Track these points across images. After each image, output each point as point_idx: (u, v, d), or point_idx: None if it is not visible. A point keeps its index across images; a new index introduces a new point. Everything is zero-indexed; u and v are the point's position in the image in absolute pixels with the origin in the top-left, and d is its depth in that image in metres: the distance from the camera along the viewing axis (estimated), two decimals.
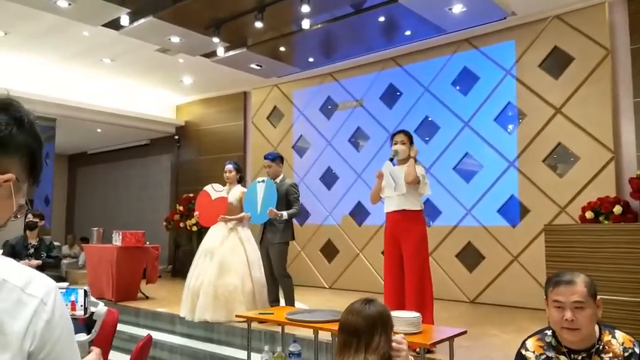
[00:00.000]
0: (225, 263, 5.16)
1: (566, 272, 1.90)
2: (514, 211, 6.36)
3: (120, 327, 5.59)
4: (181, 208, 9.15)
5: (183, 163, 10.38)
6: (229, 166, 5.60)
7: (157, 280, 7.07)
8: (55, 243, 6.60)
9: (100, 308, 1.50)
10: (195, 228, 8.70)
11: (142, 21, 6.28)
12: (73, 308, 1.48)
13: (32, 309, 0.83)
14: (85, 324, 1.78)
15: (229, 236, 5.34)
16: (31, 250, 5.86)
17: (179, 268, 9.21)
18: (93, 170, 13.08)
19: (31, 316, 0.83)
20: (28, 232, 5.95)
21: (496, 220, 6.47)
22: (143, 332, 5.28)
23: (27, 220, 5.92)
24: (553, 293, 1.85)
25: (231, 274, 5.12)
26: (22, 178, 0.95)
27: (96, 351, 1.27)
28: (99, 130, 10.42)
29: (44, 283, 0.89)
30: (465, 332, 2.98)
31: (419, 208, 4.14)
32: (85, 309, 1.48)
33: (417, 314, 2.91)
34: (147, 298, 6.70)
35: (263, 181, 5.17)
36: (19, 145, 0.94)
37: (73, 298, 1.50)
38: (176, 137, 10.50)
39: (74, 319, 1.42)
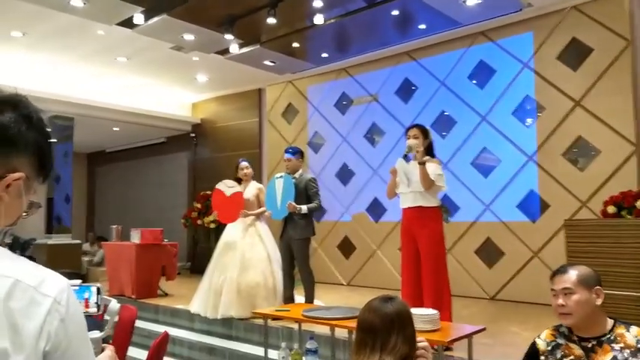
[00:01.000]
0: (247, 259, 5.18)
1: (566, 264, 2.06)
2: (534, 206, 6.26)
3: (139, 323, 5.66)
4: (199, 205, 9.19)
5: (200, 161, 10.44)
6: (245, 163, 5.61)
7: (175, 277, 7.13)
8: (33, 240, 6.30)
9: (113, 305, 1.51)
10: (212, 225, 8.73)
11: (155, 19, 6.31)
12: (87, 306, 1.49)
13: (46, 308, 0.83)
14: (99, 321, 1.79)
15: (248, 232, 5.35)
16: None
17: (198, 265, 9.26)
18: (111, 168, 13.23)
19: (46, 316, 0.83)
20: None
21: (515, 216, 6.38)
22: (162, 329, 5.32)
23: None
24: (551, 283, 2.03)
25: (253, 269, 5.14)
26: (32, 176, 0.95)
27: (109, 348, 1.27)
28: (116, 129, 10.52)
29: (57, 281, 0.89)
30: (483, 329, 2.94)
31: (435, 205, 4.09)
32: (98, 306, 1.49)
33: (435, 311, 2.88)
34: (166, 295, 6.76)
35: (281, 176, 5.17)
36: (29, 142, 0.93)
37: (86, 295, 1.51)
38: (192, 135, 10.56)
39: (88, 317, 1.42)
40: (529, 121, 6.36)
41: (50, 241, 8.31)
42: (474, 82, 6.82)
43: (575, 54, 5.95)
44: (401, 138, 7.38)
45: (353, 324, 3.07)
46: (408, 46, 7.28)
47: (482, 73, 6.73)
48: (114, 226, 7.39)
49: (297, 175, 5.22)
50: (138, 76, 8.95)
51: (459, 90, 6.91)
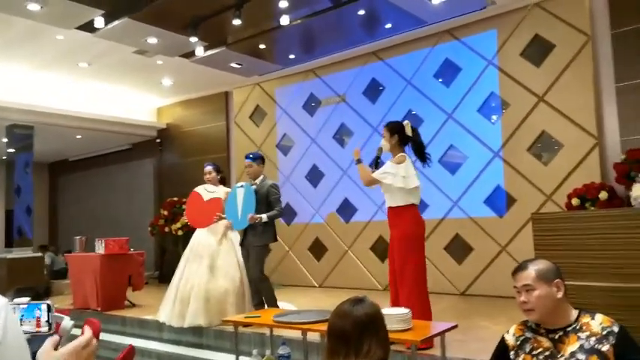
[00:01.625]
0: (216, 266, 5.06)
1: (527, 260, 2.06)
2: (500, 201, 6.34)
3: (106, 337, 5.49)
4: (166, 212, 9.00)
5: (167, 167, 10.23)
6: (209, 167, 5.49)
7: (143, 286, 6.95)
8: None
9: (66, 323, 1.40)
10: (180, 232, 8.56)
11: (117, 22, 6.14)
12: (38, 325, 1.38)
13: None
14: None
15: (221, 240, 5.23)
16: None
17: (166, 274, 9.06)
18: (75, 177, 12.85)
19: None
20: None
21: (483, 211, 6.45)
22: (130, 341, 5.17)
23: None
24: (513, 280, 2.04)
25: (222, 276, 5.03)
26: None
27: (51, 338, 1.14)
28: (79, 137, 10.22)
29: None
30: (455, 326, 2.93)
31: (402, 204, 4.02)
32: (50, 324, 1.38)
33: (407, 310, 2.85)
34: (133, 305, 6.57)
35: (242, 186, 5.06)
36: None
37: (37, 313, 1.40)
38: (158, 140, 10.35)
39: (39, 335, 1.31)
40: (494, 117, 6.44)
41: (10, 255, 7.99)
42: (440, 80, 6.87)
43: (537, 50, 6.06)
44: (370, 138, 7.41)
45: (324, 327, 3.01)
46: (375, 45, 7.29)
47: (448, 72, 6.79)
48: (77, 237, 7.15)
49: (258, 180, 5.12)
50: (100, 81, 8.72)
51: (425, 89, 6.96)
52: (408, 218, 4.01)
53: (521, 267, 2.05)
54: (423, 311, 3.74)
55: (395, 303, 3.83)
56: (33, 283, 7.72)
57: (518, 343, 2.05)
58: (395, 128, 4.14)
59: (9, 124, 8.60)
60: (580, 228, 3.07)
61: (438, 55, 6.87)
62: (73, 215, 12.74)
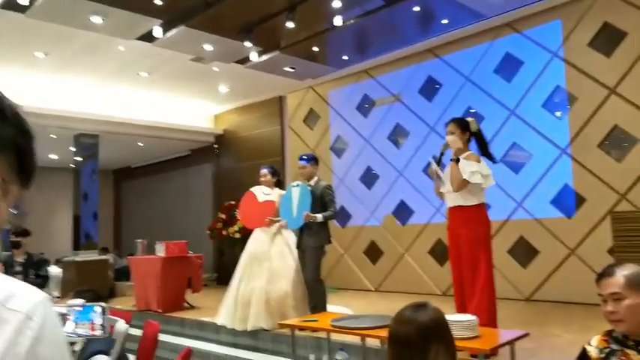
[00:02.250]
0: (275, 268, 5.03)
1: (613, 265, 1.86)
2: (569, 201, 5.97)
3: (166, 338, 5.58)
4: (223, 216, 9.14)
5: (224, 172, 10.41)
6: (264, 170, 5.49)
7: (201, 289, 7.05)
8: (46, 260, 6.31)
9: (120, 326, 1.37)
10: (237, 235, 8.66)
11: (174, 31, 6.28)
12: (92, 328, 1.36)
13: (14, 326, 0.68)
14: (107, 343, 1.66)
15: (275, 241, 5.21)
16: (18, 269, 5.50)
17: (224, 276, 9.18)
18: (137, 184, 13.34)
19: (13, 335, 0.68)
20: (13, 250, 5.62)
21: (550, 212, 6.10)
22: (188, 342, 5.24)
23: (10, 239, 5.59)
24: (597, 288, 1.85)
25: (281, 279, 4.99)
26: (9, 178, 0.80)
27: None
28: (140, 144, 10.59)
29: (30, 295, 0.74)
30: (527, 335, 2.73)
31: (475, 203, 3.85)
32: (104, 327, 1.35)
33: (473, 317, 2.68)
34: (192, 307, 6.67)
35: (297, 185, 5.03)
36: (3, 139, 0.79)
37: (92, 316, 1.38)
38: (215, 146, 10.55)
39: (95, 339, 1.27)
40: (560, 112, 6.08)
41: (78, 258, 8.35)
42: (501, 75, 6.57)
43: (607, 39, 5.67)
44: (427, 138, 7.20)
45: (384, 333, 2.90)
46: (431, 43, 7.08)
47: (509, 66, 6.49)
48: (139, 240, 7.36)
49: (312, 182, 5.07)
50: (160, 90, 8.99)
51: (485, 85, 6.68)
52: (481, 218, 3.87)
53: (607, 272, 1.84)
54: (490, 317, 3.55)
55: (461, 309, 3.64)
56: (98, 285, 8.03)
57: (603, 356, 1.85)
58: (465, 124, 3.99)
59: (76, 134, 9.02)
60: None
61: (497, 49, 6.59)
62: (135, 219, 13.21)
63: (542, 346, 3.79)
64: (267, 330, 4.84)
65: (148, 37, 6.46)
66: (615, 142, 5.65)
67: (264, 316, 4.87)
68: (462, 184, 3.80)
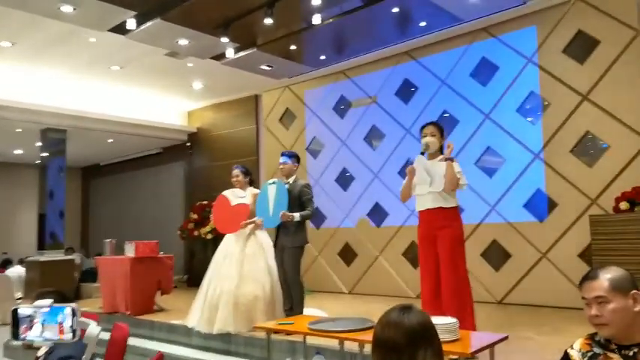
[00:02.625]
0: (246, 271, 4.92)
1: (597, 268, 1.83)
2: (541, 205, 6.05)
3: (135, 341, 5.40)
4: (195, 216, 8.97)
5: (196, 171, 10.22)
6: (236, 171, 5.38)
7: (172, 290, 6.88)
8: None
9: (92, 329, 1.26)
10: (209, 236, 8.51)
11: (149, 24, 6.12)
12: (61, 332, 1.25)
13: None
14: (78, 347, 1.54)
15: (249, 242, 5.11)
16: None
17: (195, 278, 9.00)
18: (106, 182, 13.00)
19: None
20: None
21: (522, 216, 6.16)
22: (158, 346, 5.08)
23: None
24: (580, 291, 1.83)
25: (251, 282, 4.89)
26: None
27: None
28: (110, 141, 10.31)
29: None
30: (506, 338, 2.71)
31: (455, 205, 3.89)
32: (74, 331, 1.25)
33: (454, 320, 2.65)
34: (162, 310, 6.50)
35: (273, 182, 4.93)
36: None
37: (59, 318, 1.26)
38: (188, 144, 10.36)
39: (64, 344, 1.16)
40: (534, 117, 6.16)
41: (42, 258, 8.06)
42: (477, 79, 6.62)
43: (581, 47, 5.77)
44: (402, 140, 7.21)
45: (364, 337, 2.84)
46: (408, 45, 7.10)
47: (485, 70, 6.54)
48: (107, 240, 7.14)
49: (290, 180, 4.98)
50: (132, 85, 8.76)
51: (460, 89, 6.72)
52: (458, 219, 3.92)
53: (591, 276, 1.81)
54: (469, 320, 3.55)
55: (438, 311, 3.62)
56: (63, 286, 7.76)
57: (586, 359, 1.84)
58: (442, 129, 4.12)
59: (43, 129, 8.71)
60: None
61: (473, 53, 6.64)
62: (104, 219, 12.88)
63: (516, 349, 3.80)
64: (233, 334, 4.73)
65: (121, 29, 6.27)
66: (587, 147, 5.75)
67: (231, 320, 4.76)
68: (456, 185, 3.79)
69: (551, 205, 5.94)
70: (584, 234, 5.54)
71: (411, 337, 1.47)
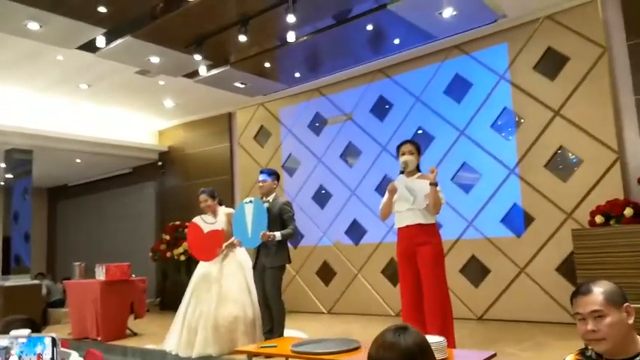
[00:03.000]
0: (224, 292, 4.78)
1: (587, 282, 1.81)
2: (518, 220, 6.09)
3: None
4: (167, 237, 8.73)
5: (168, 190, 9.99)
6: (202, 196, 5.23)
7: (145, 314, 6.64)
8: None
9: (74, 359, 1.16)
10: (182, 257, 8.28)
11: (119, 41, 5.99)
12: None
13: None
14: None
15: (225, 262, 4.97)
16: None
17: (168, 301, 8.76)
18: (74, 203, 12.60)
19: None
20: None
21: (500, 231, 6.19)
22: None
23: None
24: (574, 306, 1.79)
25: (230, 303, 4.75)
26: None
27: None
28: (78, 161, 10.02)
29: None
30: (494, 355, 2.66)
31: (434, 221, 3.91)
32: None
33: (441, 338, 2.59)
34: (135, 334, 6.25)
35: (251, 201, 4.78)
36: None
37: (39, 349, 1.16)
38: (160, 163, 10.14)
39: None
40: (508, 133, 6.24)
41: (7, 283, 7.69)
42: (451, 96, 6.69)
43: (551, 63, 5.89)
44: (378, 157, 7.20)
45: (350, 358, 2.75)
46: (382, 62, 7.14)
47: (459, 87, 6.61)
48: (77, 263, 6.87)
49: (270, 198, 4.87)
50: (101, 103, 8.56)
51: (435, 105, 6.77)
52: (437, 235, 3.91)
53: (583, 290, 1.78)
54: (450, 336, 3.50)
55: (420, 327, 3.56)
56: (30, 312, 7.40)
57: None
58: (420, 148, 4.17)
59: (8, 149, 8.40)
60: (631, 244, 2.81)
61: (447, 70, 6.71)
62: (72, 241, 12.45)
63: None
64: (214, 357, 4.56)
65: (90, 47, 6.13)
66: (561, 162, 5.84)
67: (211, 342, 4.62)
68: (440, 208, 3.84)
69: (528, 219, 5.99)
70: (561, 248, 5.60)
71: (407, 359, 1.43)
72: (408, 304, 3.86)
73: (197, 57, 6.24)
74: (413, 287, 3.87)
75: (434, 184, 3.82)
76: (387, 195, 4.07)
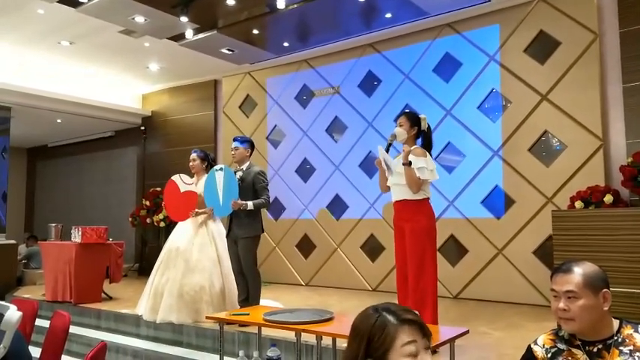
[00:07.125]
0: (193, 261, 4.75)
1: (571, 261, 1.79)
2: (498, 202, 6.12)
3: (79, 330, 5.14)
4: (148, 202, 8.65)
5: (150, 156, 9.85)
6: (193, 154, 5.19)
7: (121, 279, 6.59)
8: None
9: (11, 314, 1.10)
10: (162, 224, 8.23)
11: None
12: None
13: None
14: None
15: (199, 232, 4.92)
16: None
17: (146, 267, 8.71)
18: (54, 164, 12.36)
19: None
20: None
21: (480, 212, 6.22)
22: (104, 336, 4.85)
23: None
24: (552, 282, 1.79)
25: (198, 272, 4.72)
26: None
27: None
28: (59, 121, 9.78)
29: None
30: (467, 332, 2.67)
31: (421, 197, 3.84)
32: None
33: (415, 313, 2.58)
34: (110, 298, 6.21)
35: (221, 169, 4.71)
36: None
37: None
38: (142, 128, 9.95)
39: None
40: (495, 115, 6.21)
41: None
42: (439, 75, 6.62)
43: (542, 47, 5.84)
44: (365, 132, 7.15)
45: (322, 328, 2.74)
46: (372, 37, 7.03)
47: (448, 66, 6.54)
48: (53, 225, 6.76)
49: (244, 167, 4.80)
50: (83, 62, 8.31)
51: (423, 83, 6.71)
52: (425, 211, 3.86)
53: (564, 268, 1.77)
54: (434, 314, 3.54)
55: (405, 304, 3.57)
56: (4, 272, 7.33)
57: (549, 355, 1.79)
58: (415, 119, 4.01)
59: None
60: (609, 227, 2.82)
61: (437, 49, 6.63)
62: (52, 203, 12.26)
63: (473, 344, 3.80)
64: (185, 325, 4.56)
65: (72, 2, 5.90)
66: (545, 146, 5.85)
67: (175, 309, 4.63)
68: (420, 184, 3.78)
69: (509, 202, 6.02)
70: (539, 232, 5.65)
71: None
72: (398, 274, 3.90)
73: (183, 19, 6.07)
74: (403, 260, 3.88)
75: (406, 164, 3.76)
76: (379, 169, 4.06)
